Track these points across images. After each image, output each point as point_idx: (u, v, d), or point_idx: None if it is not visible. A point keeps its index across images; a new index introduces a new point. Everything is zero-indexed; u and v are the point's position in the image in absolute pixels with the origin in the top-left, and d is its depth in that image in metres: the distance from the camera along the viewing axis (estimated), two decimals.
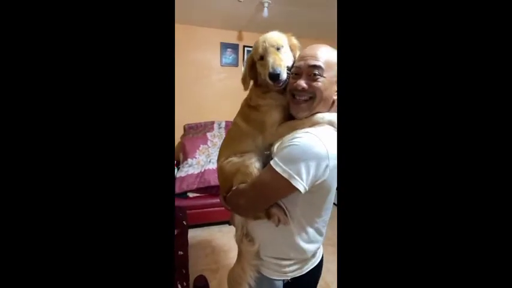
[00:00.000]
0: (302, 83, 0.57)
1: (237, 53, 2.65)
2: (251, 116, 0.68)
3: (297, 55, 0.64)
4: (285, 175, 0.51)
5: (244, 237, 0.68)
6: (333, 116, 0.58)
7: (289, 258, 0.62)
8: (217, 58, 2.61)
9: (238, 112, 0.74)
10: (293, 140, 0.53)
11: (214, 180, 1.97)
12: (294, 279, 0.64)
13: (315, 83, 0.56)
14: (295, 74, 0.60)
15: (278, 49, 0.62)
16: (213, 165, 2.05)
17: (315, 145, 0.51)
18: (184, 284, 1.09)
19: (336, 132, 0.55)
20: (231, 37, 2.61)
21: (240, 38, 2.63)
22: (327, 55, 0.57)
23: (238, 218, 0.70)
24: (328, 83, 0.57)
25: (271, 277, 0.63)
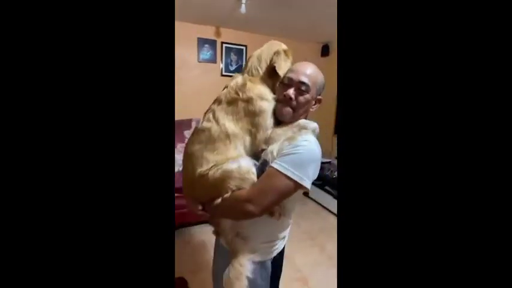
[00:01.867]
0: (292, 93, 0.66)
1: (214, 49, 2.61)
2: (240, 114, 0.65)
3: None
4: (296, 178, 0.59)
5: (236, 238, 0.69)
6: (313, 124, 0.68)
7: (277, 239, 0.74)
8: (194, 54, 2.55)
9: (219, 108, 0.67)
10: (297, 148, 0.61)
11: None
12: (277, 254, 0.76)
13: (301, 97, 0.66)
14: (285, 84, 0.67)
15: None
16: None
17: (315, 151, 0.63)
18: None
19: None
20: (208, 32, 2.55)
21: (217, 34, 2.58)
22: (314, 75, 0.68)
23: (227, 223, 0.70)
24: (310, 98, 0.68)
25: (264, 259, 0.72)
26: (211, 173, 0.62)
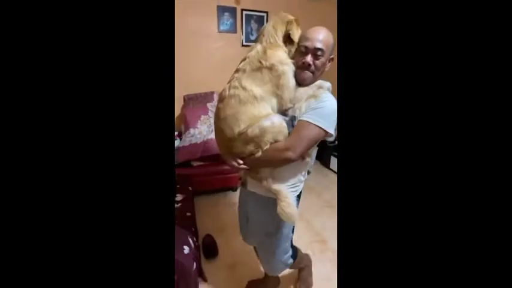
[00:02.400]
0: (309, 60, 0.76)
1: (234, 18, 2.52)
2: (265, 79, 0.75)
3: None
4: (324, 127, 0.74)
5: (274, 180, 0.84)
6: (327, 84, 0.81)
7: (301, 179, 0.93)
8: (214, 24, 2.49)
9: (245, 77, 0.76)
10: (321, 103, 0.76)
11: (217, 149, 2.04)
12: (299, 192, 0.95)
13: (317, 61, 0.77)
14: (302, 52, 0.77)
15: None
16: None
17: (335, 104, 0.77)
18: (195, 239, 1.22)
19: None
20: (227, 0, 2.46)
21: (237, 0, 2.48)
22: (327, 39, 0.77)
23: (265, 171, 0.83)
24: (325, 60, 0.79)
25: (294, 196, 0.89)
26: (249, 131, 0.74)
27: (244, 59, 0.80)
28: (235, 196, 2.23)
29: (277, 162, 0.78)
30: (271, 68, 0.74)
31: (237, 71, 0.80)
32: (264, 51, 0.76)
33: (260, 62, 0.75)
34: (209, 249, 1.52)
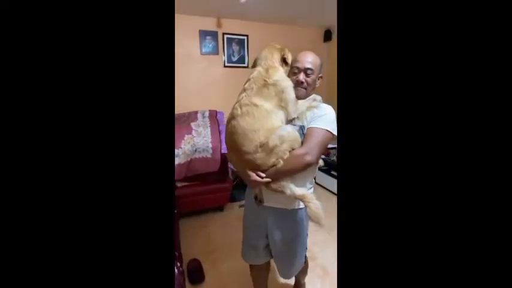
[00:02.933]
0: (302, 78, 0.91)
1: (216, 41, 2.62)
2: (271, 94, 0.85)
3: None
4: (332, 130, 0.86)
5: (296, 187, 0.87)
6: (319, 97, 0.96)
7: (313, 183, 1.01)
8: (197, 47, 2.57)
9: (253, 94, 0.84)
10: (324, 111, 0.89)
11: (202, 169, 2.02)
12: None
13: (308, 78, 0.92)
14: (295, 72, 0.92)
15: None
16: (200, 154, 2.08)
17: (333, 111, 0.91)
18: (179, 264, 1.16)
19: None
20: (209, 24, 2.56)
21: (218, 25, 2.59)
22: (314, 60, 0.92)
23: (286, 180, 0.86)
24: (315, 77, 0.94)
25: None
26: (270, 140, 0.81)
27: (248, 80, 0.88)
28: (223, 217, 2.18)
29: (298, 168, 0.84)
30: (275, 84, 0.84)
31: (244, 90, 0.88)
32: (266, 71, 0.87)
33: (264, 80, 0.85)
34: (195, 274, 1.45)
